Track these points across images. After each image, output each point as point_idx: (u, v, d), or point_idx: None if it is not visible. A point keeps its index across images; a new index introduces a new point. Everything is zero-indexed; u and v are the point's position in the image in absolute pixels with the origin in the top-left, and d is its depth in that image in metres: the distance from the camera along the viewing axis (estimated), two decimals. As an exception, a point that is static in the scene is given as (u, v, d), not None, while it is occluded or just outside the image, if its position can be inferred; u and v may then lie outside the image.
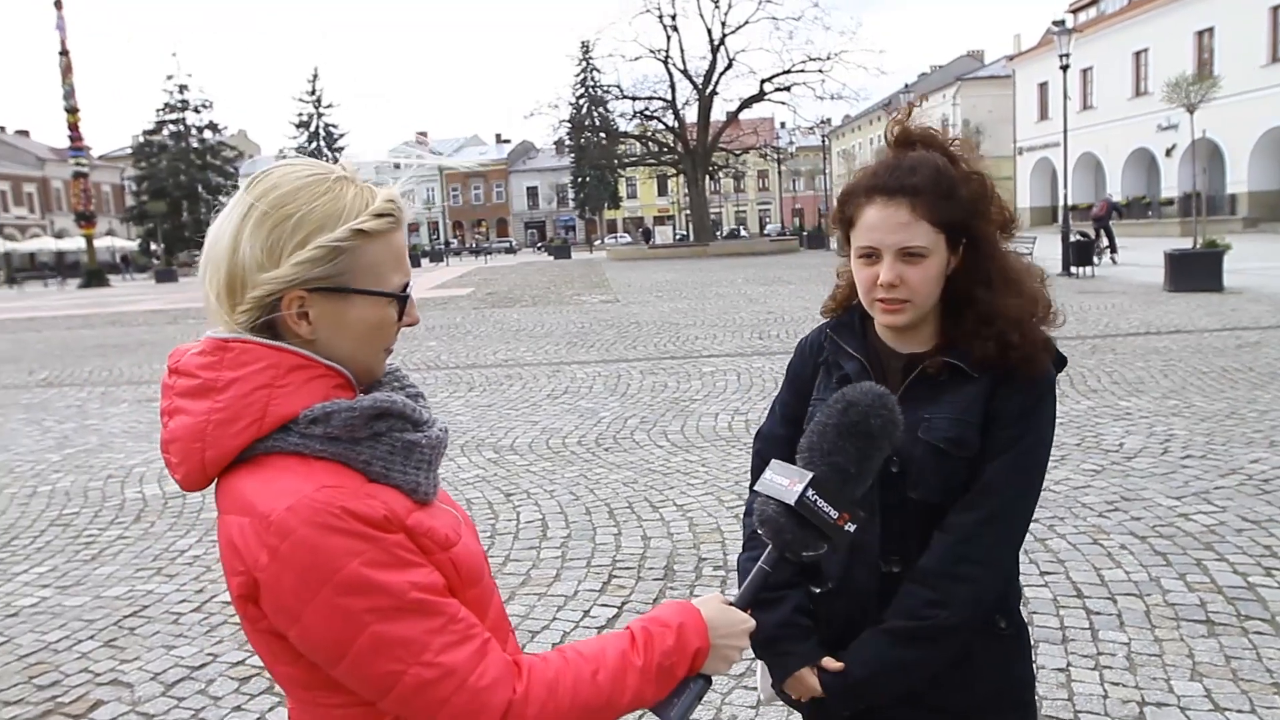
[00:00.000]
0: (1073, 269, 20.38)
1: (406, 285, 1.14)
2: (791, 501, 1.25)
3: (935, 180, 1.50)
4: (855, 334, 1.65)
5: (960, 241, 1.53)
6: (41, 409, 10.15)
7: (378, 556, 1.01)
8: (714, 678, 1.24)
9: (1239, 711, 3.06)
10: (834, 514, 1.25)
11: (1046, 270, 1.69)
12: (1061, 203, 24.89)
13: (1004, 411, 1.52)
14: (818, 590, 1.63)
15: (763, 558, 1.31)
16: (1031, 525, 5.01)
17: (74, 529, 5.75)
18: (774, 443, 1.73)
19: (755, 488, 1.33)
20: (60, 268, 59.30)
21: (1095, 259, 21.82)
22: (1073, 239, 21.14)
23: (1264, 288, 15.43)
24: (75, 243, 57.30)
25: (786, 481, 1.27)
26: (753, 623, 1.28)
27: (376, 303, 1.11)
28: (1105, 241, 23.56)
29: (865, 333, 1.65)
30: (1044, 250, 23.22)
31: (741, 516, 1.79)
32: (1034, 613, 3.84)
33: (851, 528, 1.27)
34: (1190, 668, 3.36)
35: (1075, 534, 4.71)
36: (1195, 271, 15.69)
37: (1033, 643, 3.53)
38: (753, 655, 1.67)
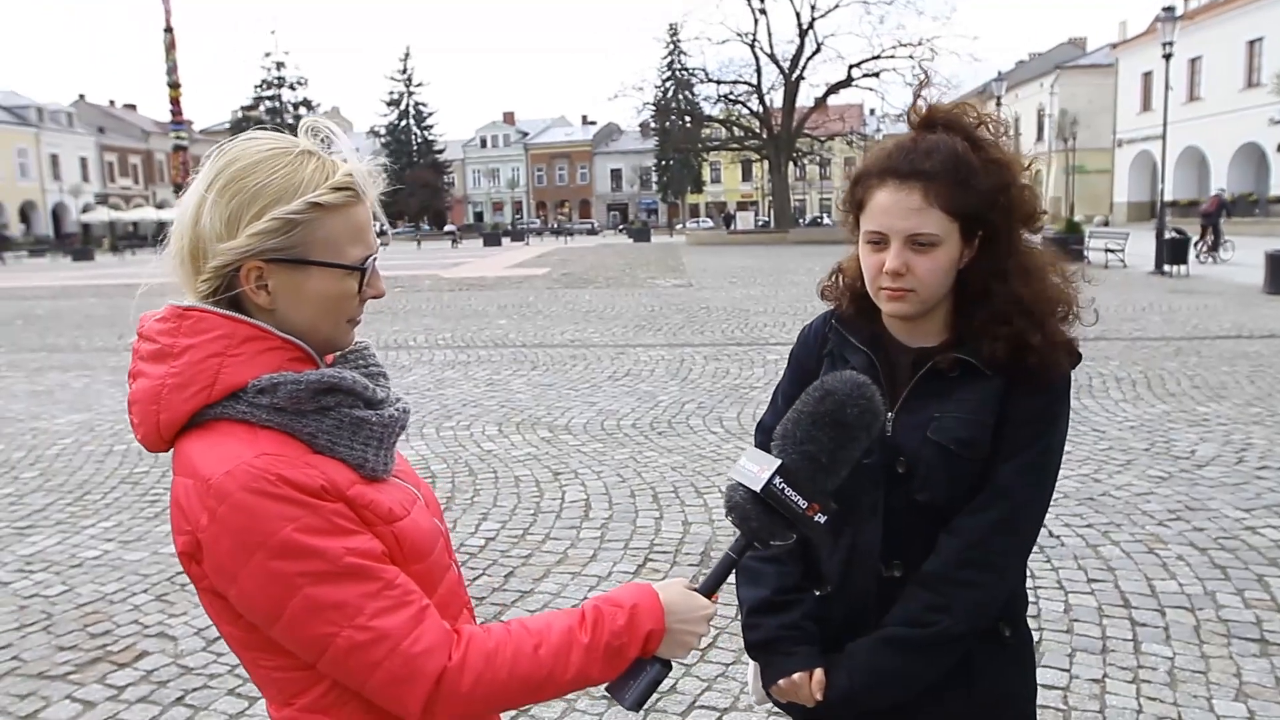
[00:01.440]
0: (1166, 267, 19.57)
1: (367, 258, 1.15)
2: (757, 488, 1.23)
3: (952, 166, 1.42)
4: (862, 325, 1.58)
5: (976, 233, 1.45)
6: (128, 371, 10.57)
7: (313, 522, 1.04)
8: (676, 664, 1.23)
9: (1282, 736, 2.91)
10: (803, 504, 1.23)
11: (1079, 265, 1.60)
12: (1159, 198, 23.91)
13: (1019, 413, 1.45)
14: (817, 594, 1.59)
15: (730, 545, 1.29)
16: (1084, 531, 4.84)
17: (142, 487, 6.01)
18: (773, 434, 1.70)
19: (729, 474, 1.31)
20: (161, 236, 61.71)
21: (1199, 257, 20.98)
22: (1168, 236, 20.27)
23: (1373, 293, 14.57)
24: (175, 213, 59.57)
25: (756, 468, 1.25)
26: (714, 609, 1.26)
27: (334, 274, 1.13)
28: (1211, 238, 22.66)
29: (873, 324, 1.57)
30: (1138, 246, 22.44)
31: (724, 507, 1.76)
32: (1075, 620, 3.71)
33: (822, 519, 1.24)
34: (1236, 687, 3.20)
35: (1130, 541, 4.53)
36: (1298, 274, 14.91)
37: (1070, 651, 3.45)
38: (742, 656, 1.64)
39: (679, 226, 71.65)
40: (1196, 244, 22.36)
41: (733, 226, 55.18)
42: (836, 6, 45.80)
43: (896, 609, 1.48)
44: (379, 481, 1.15)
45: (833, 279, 1.67)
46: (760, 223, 61.96)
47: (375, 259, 1.16)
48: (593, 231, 74.26)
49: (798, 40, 45.57)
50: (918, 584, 1.47)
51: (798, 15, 45.47)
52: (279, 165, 1.10)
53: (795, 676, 1.51)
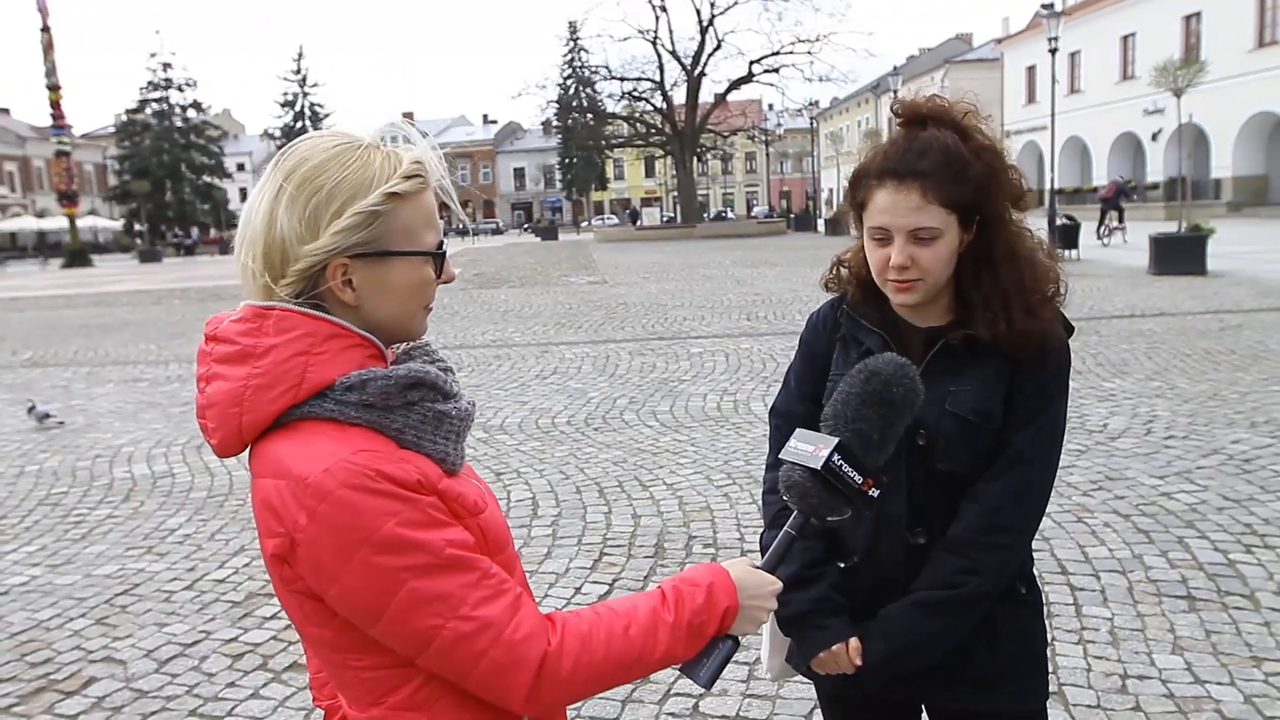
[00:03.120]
0: (1059, 252, 20.46)
1: (441, 243, 1.17)
2: (818, 466, 1.28)
3: (945, 163, 1.51)
4: (873, 308, 1.66)
5: (973, 220, 1.55)
6: (26, 389, 10.07)
7: (413, 516, 1.04)
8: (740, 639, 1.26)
9: (1218, 684, 3.12)
10: (859, 479, 1.29)
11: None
12: (1048, 186, 25.00)
13: (1027, 383, 1.56)
14: (843, 565, 1.65)
15: (789, 523, 1.33)
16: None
17: (63, 508, 5.74)
18: (792, 419, 1.72)
19: (781, 455, 1.35)
20: (42, 248, 58.70)
21: (1102, 240, 22.22)
22: (1059, 222, 21.23)
23: (1246, 271, 15.57)
24: (57, 222, 56.69)
25: (812, 448, 1.31)
26: (779, 584, 1.30)
27: (415, 262, 1.14)
28: (1115, 221, 24.19)
29: (882, 307, 1.66)
30: (1030, 233, 23.38)
31: (762, 496, 1.79)
32: (1019, 589, 3.90)
33: (875, 493, 1.30)
34: (1171, 641, 3.42)
35: (1060, 512, 4.77)
36: (1180, 255, 15.82)
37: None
38: (770, 632, 1.69)
39: (585, 224, 71.61)
40: (1099, 228, 23.81)
41: (639, 223, 55.44)
42: (735, 4, 46.54)
43: (925, 573, 1.56)
44: (456, 475, 1.16)
45: (833, 271, 1.75)
46: (666, 218, 62.40)
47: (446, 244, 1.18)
48: (498, 231, 73.67)
49: (699, 37, 46.08)
50: (945, 549, 1.56)
51: (698, 12, 45.97)
52: (349, 160, 1.10)
53: (834, 648, 1.57)
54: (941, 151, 1.51)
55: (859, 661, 1.56)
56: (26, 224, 64.02)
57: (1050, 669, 3.22)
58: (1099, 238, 23.47)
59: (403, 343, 1.22)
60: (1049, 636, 3.47)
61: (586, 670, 1.10)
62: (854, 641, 1.57)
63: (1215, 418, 6.47)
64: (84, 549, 4.99)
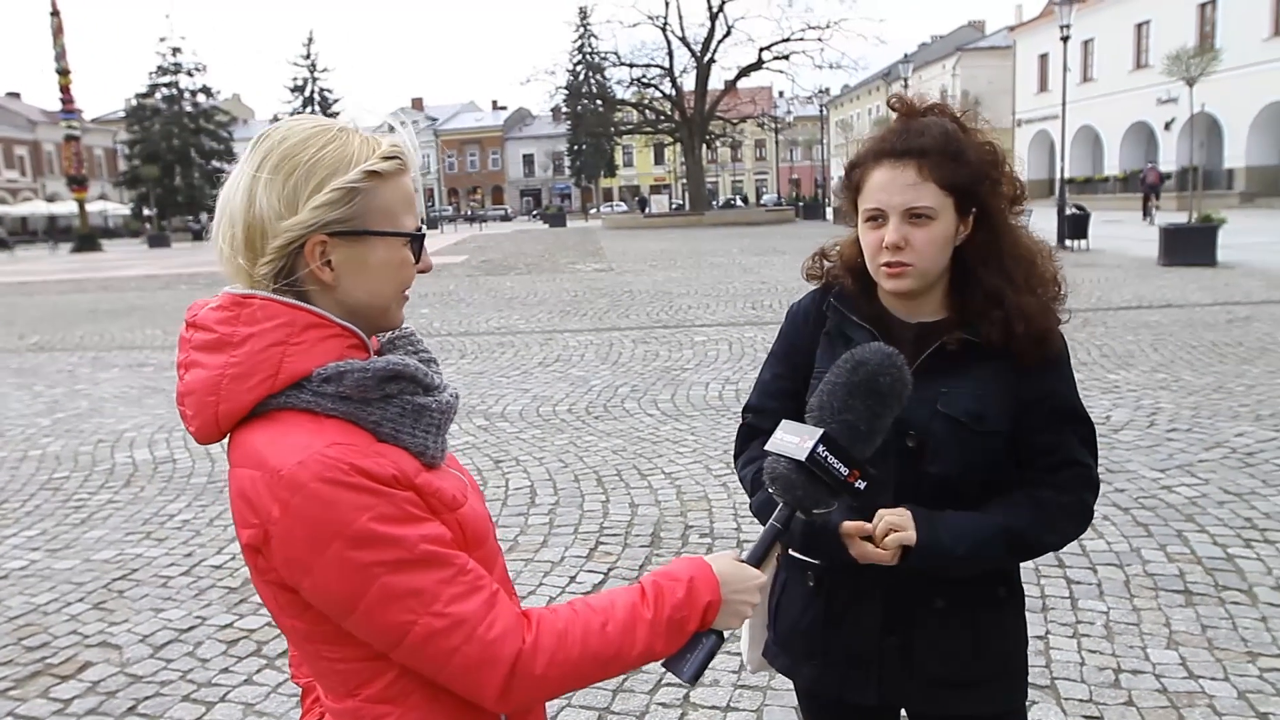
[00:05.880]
0: (1068, 242, 20.36)
1: (420, 227, 1.16)
2: (803, 457, 1.26)
3: (944, 141, 1.49)
4: (863, 303, 1.62)
5: (970, 209, 1.52)
6: (32, 374, 10.13)
7: (387, 511, 1.03)
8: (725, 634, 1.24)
9: (1212, 679, 3.10)
10: (845, 471, 1.27)
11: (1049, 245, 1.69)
12: (1059, 175, 24.82)
13: (1036, 390, 1.54)
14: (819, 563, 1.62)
15: (774, 515, 1.31)
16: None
17: (64, 493, 5.77)
18: (765, 416, 1.70)
19: (766, 447, 1.33)
20: (52, 232, 58.90)
21: (1151, 219, 25.47)
22: (1069, 212, 21.09)
23: (1257, 263, 15.45)
24: (67, 207, 56.86)
25: (797, 439, 1.28)
26: (765, 578, 1.28)
27: (394, 244, 1.13)
28: (1156, 203, 27.90)
29: (873, 300, 1.62)
30: (1039, 223, 23.25)
31: (738, 474, 1.77)
32: (1015, 582, 3.88)
33: (862, 484, 1.28)
34: (1167, 636, 3.40)
35: (1059, 505, 4.74)
36: (1190, 246, 15.70)
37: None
38: (737, 623, 1.67)
39: (593, 211, 71.51)
40: (1144, 210, 28.20)
41: (648, 210, 55.39)
42: (746, -11, 46.14)
43: (1017, 509, 1.52)
44: (437, 469, 1.15)
45: (815, 261, 1.71)
46: (675, 206, 62.27)
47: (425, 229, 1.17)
48: (506, 218, 73.55)
49: (709, 23, 45.74)
50: (1037, 505, 1.53)
51: (708, -1, 45.67)
52: (328, 139, 1.09)
53: (845, 526, 1.49)
54: (940, 132, 1.50)
55: (904, 537, 1.46)
56: (37, 208, 64.25)
57: (1043, 663, 3.23)
58: (1145, 216, 27.40)
59: (384, 332, 1.21)
60: (1043, 631, 3.46)
61: (561, 668, 1.09)
62: (892, 518, 1.46)
63: (1220, 411, 6.43)
64: (83, 534, 5.01)
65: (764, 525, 1.67)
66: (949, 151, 1.48)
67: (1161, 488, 4.95)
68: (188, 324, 1.11)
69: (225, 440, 1.12)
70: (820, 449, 1.26)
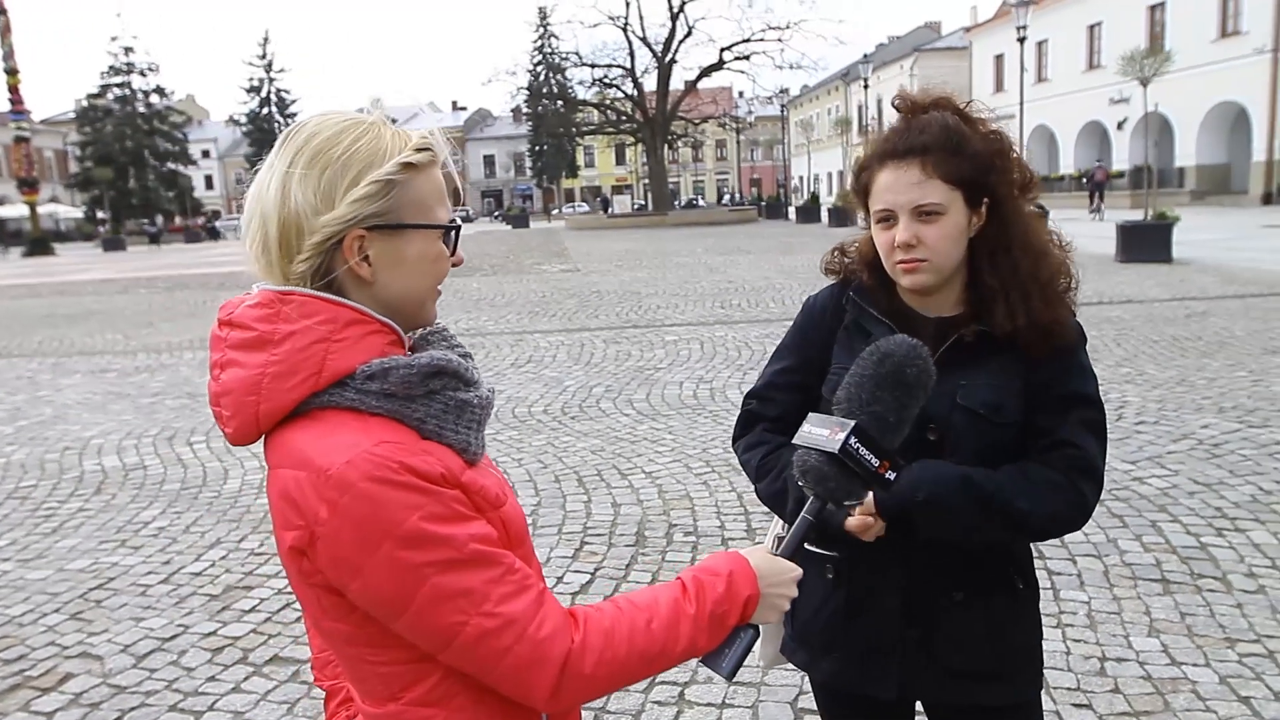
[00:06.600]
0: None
1: (454, 219, 1.16)
2: (835, 450, 1.26)
3: (944, 136, 1.50)
4: (881, 298, 1.64)
5: (981, 200, 1.53)
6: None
7: (437, 510, 1.02)
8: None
9: (1194, 665, 3.18)
10: (875, 462, 1.28)
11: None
12: (1017, 174, 25.19)
13: (1043, 378, 1.55)
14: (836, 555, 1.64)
15: (805, 508, 1.31)
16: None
17: (32, 501, 5.65)
18: (768, 404, 1.72)
19: (795, 440, 1.33)
20: (3, 236, 57.46)
21: (1095, 217, 27.13)
22: (1028, 210, 21.43)
23: (1211, 259, 15.82)
24: (18, 210, 55.49)
25: (827, 432, 1.29)
26: (799, 571, 1.28)
27: (430, 236, 1.13)
28: (1099, 201, 29.65)
29: (892, 297, 1.64)
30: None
31: (740, 459, 1.78)
32: (997, 574, 3.94)
33: (892, 475, 1.29)
34: (1148, 624, 3.48)
35: (1035, 498, 4.83)
36: (1146, 243, 16.04)
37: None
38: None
39: (556, 212, 71.31)
40: (1091, 207, 29.90)
41: (611, 210, 55.28)
42: (706, -10, 46.36)
43: (1016, 475, 1.52)
44: (478, 466, 1.14)
45: (834, 255, 1.73)
46: (637, 206, 62.27)
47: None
48: (468, 219, 73.10)
49: (669, 24, 45.88)
50: (1021, 472, 1.53)
51: (668, -1, 45.77)
52: (360, 133, 1.08)
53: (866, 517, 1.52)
54: (941, 127, 1.52)
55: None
56: (-15, 211, 62.60)
57: (1030, 653, 3.29)
58: (1091, 213, 28.75)
59: (418, 328, 1.20)
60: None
61: (609, 666, 1.08)
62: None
63: (1184, 403, 6.58)
64: (56, 543, 4.91)
65: (776, 513, 1.71)
66: (950, 146, 1.50)
67: (1133, 479, 5.06)
68: (221, 322, 1.09)
69: (246, 443, 1.10)
70: (853, 440, 1.27)
